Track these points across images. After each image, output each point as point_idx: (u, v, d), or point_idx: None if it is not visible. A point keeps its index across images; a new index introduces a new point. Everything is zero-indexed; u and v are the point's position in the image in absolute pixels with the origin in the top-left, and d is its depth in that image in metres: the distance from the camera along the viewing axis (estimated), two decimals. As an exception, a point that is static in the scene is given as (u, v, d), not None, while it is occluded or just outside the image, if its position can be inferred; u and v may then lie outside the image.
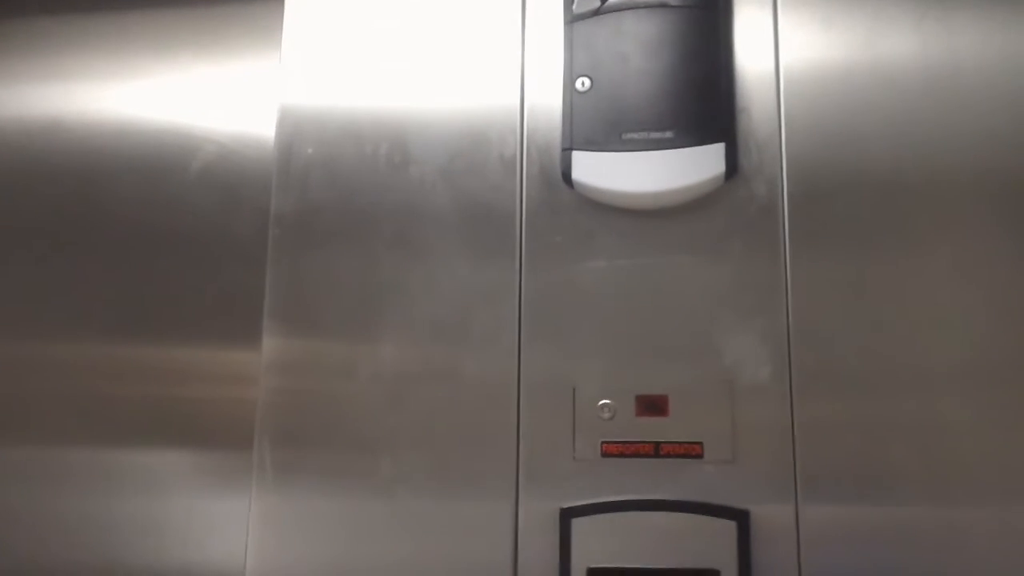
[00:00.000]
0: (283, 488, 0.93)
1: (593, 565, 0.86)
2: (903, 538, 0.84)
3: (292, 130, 1.01)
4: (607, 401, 0.90)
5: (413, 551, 0.90)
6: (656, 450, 0.88)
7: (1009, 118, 0.90)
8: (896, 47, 0.93)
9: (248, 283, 0.98)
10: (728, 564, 0.84)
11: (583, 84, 0.94)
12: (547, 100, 0.96)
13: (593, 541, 0.86)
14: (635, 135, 0.91)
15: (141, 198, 1.04)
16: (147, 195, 1.04)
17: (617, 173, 0.91)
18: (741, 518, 0.85)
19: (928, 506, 0.85)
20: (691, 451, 0.88)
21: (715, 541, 0.85)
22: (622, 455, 0.89)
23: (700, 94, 0.92)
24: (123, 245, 1.03)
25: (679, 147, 0.91)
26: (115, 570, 0.96)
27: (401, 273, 0.96)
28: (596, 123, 0.93)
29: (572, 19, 0.96)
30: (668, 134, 0.91)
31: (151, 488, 0.97)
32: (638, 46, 0.93)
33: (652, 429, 0.89)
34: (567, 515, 0.87)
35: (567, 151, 0.93)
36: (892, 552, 0.84)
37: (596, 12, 0.95)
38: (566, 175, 0.93)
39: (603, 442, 0.89)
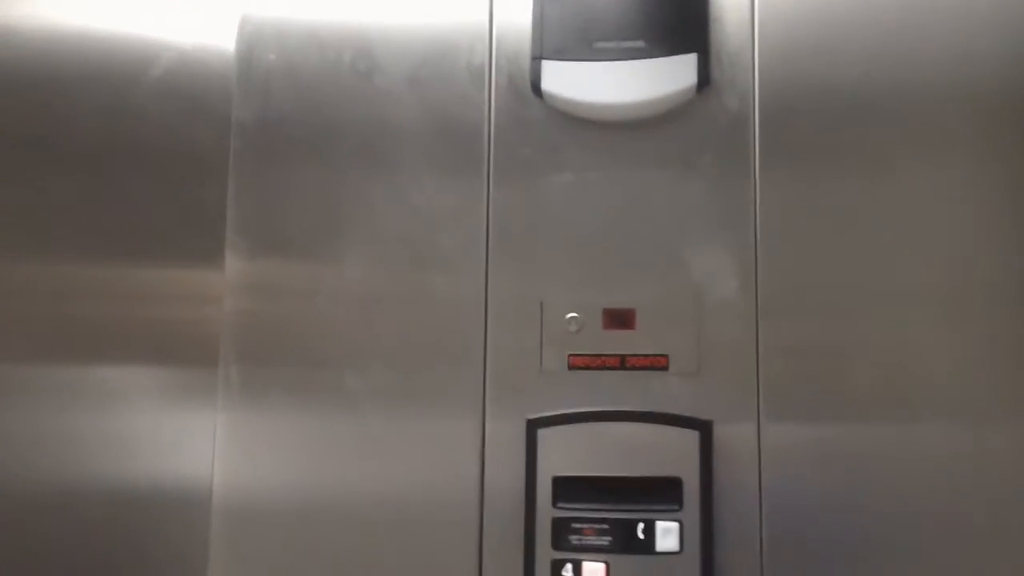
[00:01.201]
0: (249, 404, 0.93)
1: (558, 474, 0.87)
2: (863, 457, 0.86)
3: (253, 36, 0.98)
4: (575, 314, 0.90)
5: (380, 465, 0.91)
6: (622, 362, 0.89)
7: (986, 37, 0.89)
8: (873, -42, 0.91)
9: (210, 197, 0.96)
10: (690, 473, 0.86)
11: (555, -10, 0.92)
12: (517, 6, 0.94)
13: (559, 451, 0.87)
14: (606, 44, 0.90)
15: (97, 107, 1.00)
16: (104, 104, 1.00)
17: (587, 83, 0.90)
18: (704, 428, 0.86)
19: (888, 426, 0.86)
20: (657, 363, 0.88)
21: (678, 451, 0.86)
22: (589, 367, 0.89)
23: (672, 2, 0.90)
24: (80, 156, 1.00)
25: (650, 57, 0.89)
26: (83, 484, 0.95)
27: (366, 186, 0.94)
28: (567, 31, 0.91)
29: (544, -78, 0.94)
30: (639, 43, 0.89)
31: (116, 404, 0.96)
32: (611, -49, 0.91)
33: (619, 342, 0.89)
34: (533, 426, 0.88)
35: (537, 60, 0.91)
36: (851, 470, 0.86)
37: (569, -84, 0.93)
38: (535, 85, 0.91)
39: (570, 355, 0.90)
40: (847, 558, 0.85)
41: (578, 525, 0.85)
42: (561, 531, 0.85)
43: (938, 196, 0.88)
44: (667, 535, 0.84)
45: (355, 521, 0.90)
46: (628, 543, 0.84)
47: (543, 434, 0.88)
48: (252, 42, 0.98)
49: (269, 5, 0.98)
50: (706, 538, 0.84)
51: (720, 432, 0.87)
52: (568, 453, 0.87)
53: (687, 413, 0.87)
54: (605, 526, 0.85)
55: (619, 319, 0.89)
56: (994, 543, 0.84)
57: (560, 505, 0.86)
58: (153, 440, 0.95)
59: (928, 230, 0.88)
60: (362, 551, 0.90)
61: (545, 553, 0.85)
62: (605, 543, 0.84)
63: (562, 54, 0.90)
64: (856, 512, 0.85)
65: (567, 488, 0.86)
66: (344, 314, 0.93)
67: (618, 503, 0.85)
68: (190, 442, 0.94)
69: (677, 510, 0.85)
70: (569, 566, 0.85)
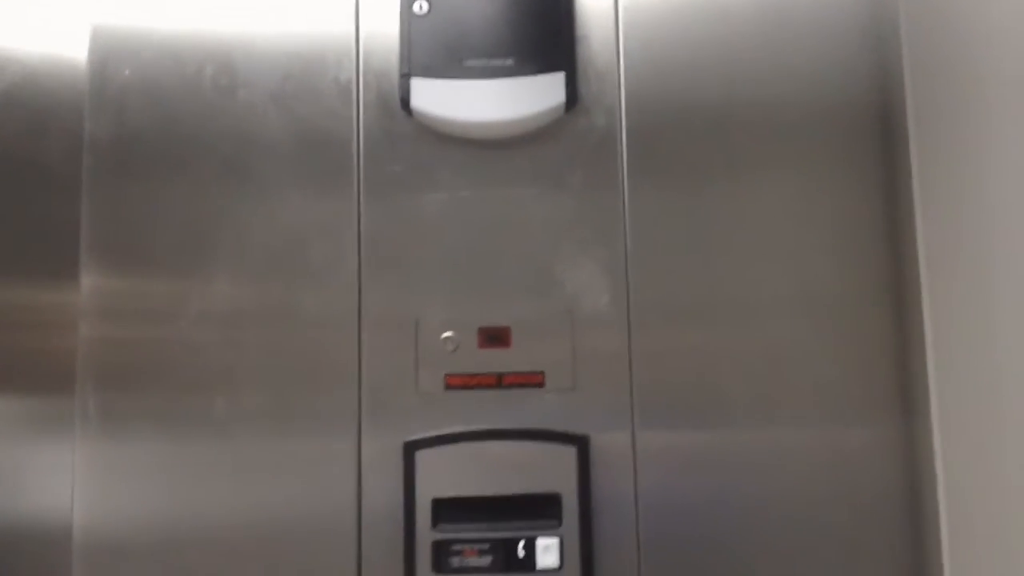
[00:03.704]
0: (110, 434, 0.88)
1: (438, 496, 0.86)
2: (732, 460, 0.89)
3: (106, 49, 0.93)
4: (450, 334, 0.89)
5: (253, 491, 0.88)
6: (499, 381, 0.89)
7: (839, 54, 0.94)
8: (730, -21, 0.94)
9: (62, 215, 0.91)
10: (569, 488, 0.87)
11: (421, 7, 0.91)
12: (385, 23, 0.93)
13: (437, 472, 0.87)
14: (475, 62, 0.89)
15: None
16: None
17: (457, 101, 0.89)
18: (581, 443, 0.87)
19: (755, 430, 0.89)
20: (533, 380, 0.89)
21: (556, 466, 0.87)
22: (465, 387, 0.89)
23: (540, 21, 0.91)
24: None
25: (520, 75, 0.90)
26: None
27: (231, 204, 0.91)
28: (435, 48, 0.90)
29: (410, -63, 0.93)
30: (508, 61, 0.90)
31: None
32: (478, -31, 0.91)
33: (495, 360, 0.89)
34: (411, 448, 0.87)
35: (405, 77, 0.90)
36: (722, 473, 0.89)
37: (435, -68, 0.92)
38: (405, 102, 0.90)
39: (446, 374, 0.89)
40: (719, 557, 0.88)
41: (459, 546, 0.85)
42: (442, 553, 0.85)
43: (797, 207, 0.92)
44: (547, 552, 0.85)
45: (228, 550, 0.87)
46: (509, 562, 0.85)
47: (421, 456, 0.87)
48: (105, 55, 0.93)
49: (122, 15, 0.94)
50: (586, 552, 0.85)
51: (597, 444, 0.88)
52: (447, 474, 0.87)
53: (564, 428, 0.88)
54: (486, 546, 0.85)
55: (494, 337, 0.89)
56: (851, 539, 0.88)
57: (440, 527, 0.86)
58: (7, 474, 0.90)
59: (788, 240, 0.92)
60: (237, 579, 0.87)
61: (426, 576, 0.85)
62: (486, 563, 0.84)
63: (431, 71, 0.90)
64: (726, 513, 0.88)
65: (446, 509, 0.86)
66: (210, 335, 0.90)
67: (498, 522, 0.86)
68: (46, 476, 0.89)
69: (557, 526, 0.86)
70: (451, 588, 0.85)
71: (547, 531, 0.86)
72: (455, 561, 0.85)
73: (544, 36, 0.90)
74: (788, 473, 0.89)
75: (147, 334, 0.90)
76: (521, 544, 0.85)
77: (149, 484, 0.88)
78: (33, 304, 0.93)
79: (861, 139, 0.93)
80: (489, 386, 0.89)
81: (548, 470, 0.87)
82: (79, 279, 0.91)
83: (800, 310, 0.91)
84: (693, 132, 0.92)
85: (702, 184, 0.92)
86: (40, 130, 0.94)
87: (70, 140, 0.93)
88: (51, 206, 0.93)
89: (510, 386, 0.89)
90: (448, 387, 0.89)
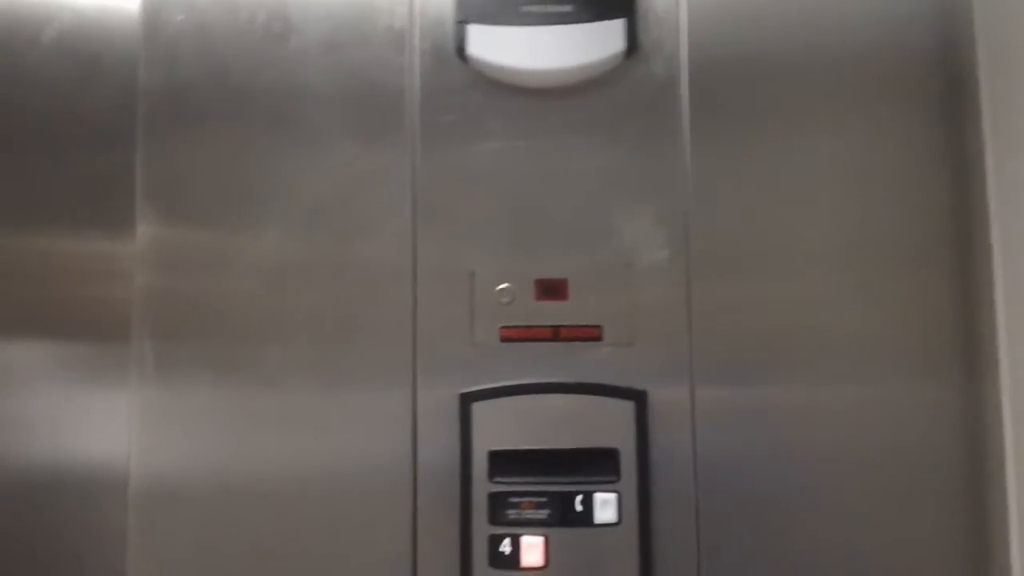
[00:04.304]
0: (166, 382, 0.89)
1: (494, 448, 0.86)
2: (791, 416, 0.87)
3: (159, -6, 0.92)
4: (506, 285, 0.88)
5: (307, 441, 0.88)
6: (555, 334, 0.88)
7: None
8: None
9: (116, 165, 0.91)
10: (627, 443, 0.86)
11: (478, -49, 0.89)
12: (440, -35, 0.91)
13: (494, 425, 0.86)
14: (533, 8, 0.87)
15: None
16: (-7, 68, 0.94)
17: (514, 48, 0.87)
18: (639, 398, 0.86)
19: (815, 385, 0.88)
20: (590, 334, 0.88)
21: (614, 421, 0.86)
22: (521, 339, 0.88)
23: (601, -36, 0.88)
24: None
25: (578, 22, 0.87)
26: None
27: (283, 154, 0.90)
28: (492, -6, 0.88)
29: None
30: (567, 7, 0.87)
31: (12, 385, 0.91)
32: (537, -90, 0.88)
33: (551, 313, 0.88)
34: (467, 400, 0.87)
35: (461, 24, 0.88)
36: (781, 429, 0.87)
37: None
38: (460, 50, 0.88)
39: (502, 327, 0.88)
40: (777, 512, 0.87)
41: (515, 499, 0.84)
42: (498, 506, 0.85)
43: (861, 157, 0.89)
44: (605, 507, 0.84)
45: (282, 499, 0.88)
46: (566, 516, 0.84)
47: (477, 408, 0.86)
48: (158, 1, 0.92)
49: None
50: (644, 508, 0.84)
51: (654, 399, 0.87)
52: (503, 426, 0.86)
53: (622, 383, 0.87)
54: (543, 499, 0.84)
55: (551, 289, 0.88)
56: (910, 497, 0.86)
57: (496, 479, 0.85)
58: (63, 422, 0.91)
59: (852, 192, 0.89)
60: (291, 530, 0.87)
61: (482, 528, 0.85)
62: (543, 516, 0.84)
63: (488, 18, 0.88)
64: (785, 469, 0.87)
65: (503, 462, 0.85)
66: (265, 286, 0.89)
67: (555, 476, 0.85)
68: (103, 423, 0.90)
69: (615, 481, 0.85)
70: (507, 541, 0.84)
71: (605, 486, 0.85)
72: (512, 513, 0.84)
73: (605, -19, 0.88)
74: (848, 429, 0.87)
75: (203, 283, 0.90)
76: (579, 498, 0.84)
77: (205, 434, 0.88)
78: (89, 253, 0.93)
79: (926, 86, 0.90)
80: (545, 339, 0.88)
81: (605, 425, 0.86)
82: (135, 229, 0.90)
83: (864, 264, 0.88)
84: (754, 79, 0.90)
85: (763, 134, 0.90)
86: (93, 78, 0.93)
87: (123, 89, 0.92)
88: (106, 155, 0.92)
89: (567, 339, 0.88)
90: (504, 339, 0.88)
